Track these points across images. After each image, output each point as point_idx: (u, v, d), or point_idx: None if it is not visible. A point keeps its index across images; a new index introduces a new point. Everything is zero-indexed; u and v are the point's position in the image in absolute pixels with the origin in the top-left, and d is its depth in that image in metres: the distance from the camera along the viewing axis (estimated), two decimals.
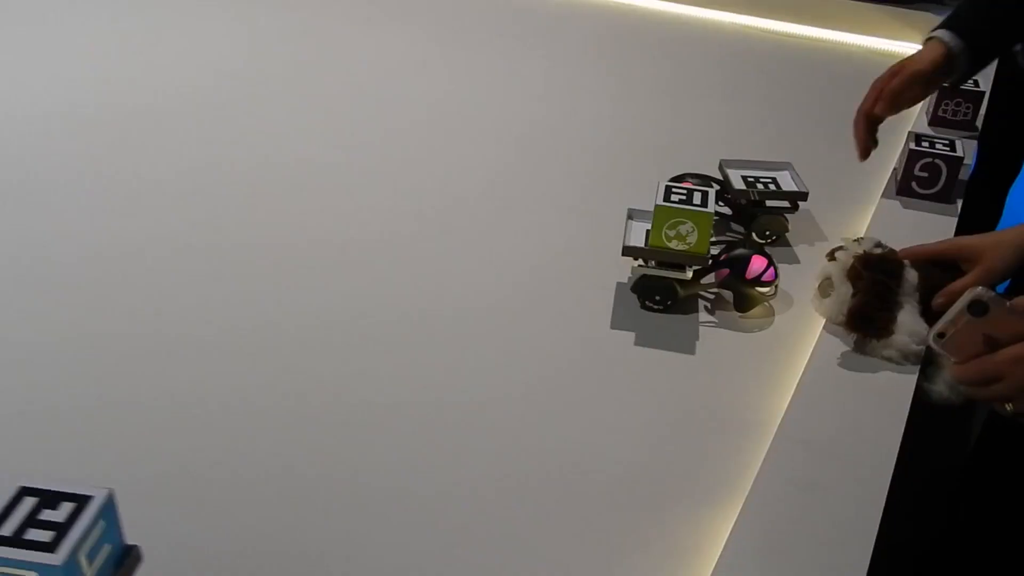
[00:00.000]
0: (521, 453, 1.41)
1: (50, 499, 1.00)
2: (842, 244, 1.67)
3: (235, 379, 1.53)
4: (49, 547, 0.95)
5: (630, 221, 1.80)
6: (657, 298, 1.74)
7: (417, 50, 2.96)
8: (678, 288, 1.73)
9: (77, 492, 1.01)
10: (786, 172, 1.99)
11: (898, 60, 1.96)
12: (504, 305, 1.76)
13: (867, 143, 1.98)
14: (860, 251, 1.60)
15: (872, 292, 1.55)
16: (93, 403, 1.45)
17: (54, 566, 0.93)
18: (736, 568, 1.17)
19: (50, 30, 2.82)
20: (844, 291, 1.58)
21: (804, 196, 1.93)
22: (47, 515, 0.98)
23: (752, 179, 1.96)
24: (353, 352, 1.61)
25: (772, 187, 1.94)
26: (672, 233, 1.68)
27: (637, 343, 1.67)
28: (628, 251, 1.73)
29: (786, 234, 1.97)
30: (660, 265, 1.73)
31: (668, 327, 1.71)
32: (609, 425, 1.48)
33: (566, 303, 1.78)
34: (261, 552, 1.21)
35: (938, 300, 1.53)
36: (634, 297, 1.76)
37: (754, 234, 1.94)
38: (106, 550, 1.04)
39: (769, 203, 1.95)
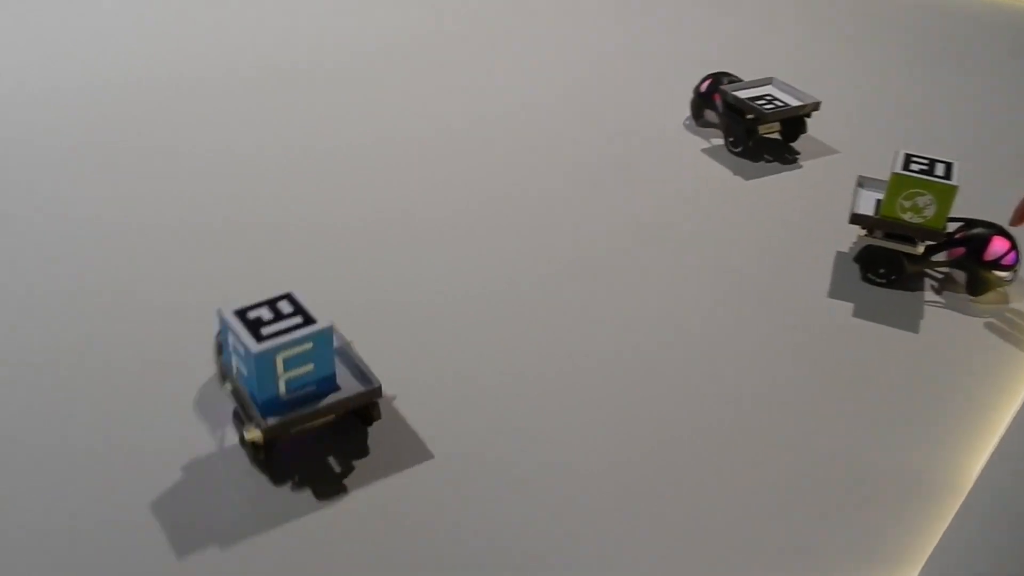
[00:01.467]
0: (730, 419, 1.38)
1: (286, 312, 1.21)
2: None
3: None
4: (259, 339, 1.16)
5: (859, 189, 1.71)
6: (881, 271, 1.65)
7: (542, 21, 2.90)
8: (906, 262, 1.64)
9: (305, 312, 1.20)
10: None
11: None
12: (722, 267, 1.72)
13: None
14: None
15: None
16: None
17: (250, 352, 1.14)
18: (949, 567, 1.10)
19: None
20: None
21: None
22: (275, 321, 1.19)
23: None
24: (556, 305, 1.62)
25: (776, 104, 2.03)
26: (907, 204, 1.58)
27: (856, 315, 1.59)
28: (856, 219, 1.64)
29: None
30: (889, 236, 1.63)
31: (890, 302, 1.62)
32: (824, 398, 1.42)
33: (782, 268, 1.71)
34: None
35: None
36: (855, 267, 1.68)
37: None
38: (307, 368, 1.19)
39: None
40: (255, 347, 1.14)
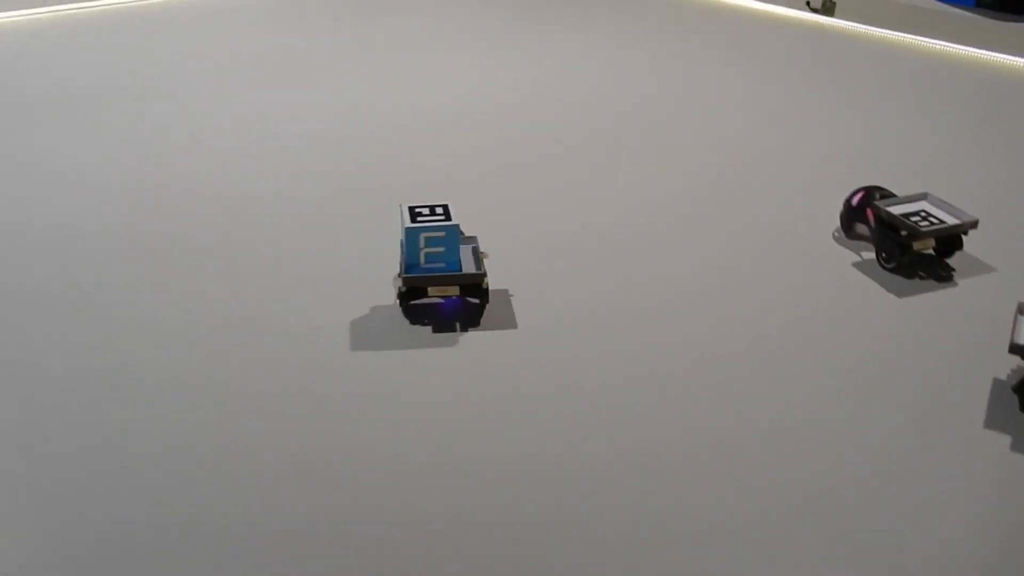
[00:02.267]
0: (871, 540, 1.38)
1: (438, 213, 1.90)
2: None
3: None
4: (413, 221, 1.90)
5: (1020, 316, 1.67)
6: None
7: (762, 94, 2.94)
8: None
9: (448, 215, 1.87)
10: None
11: None
12: (871, 388, 1.71)
13: None
14: None
15: None
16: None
17: (404, 228, 1.89)
18: None
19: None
20: None
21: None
22: (429, 216, 1.92)
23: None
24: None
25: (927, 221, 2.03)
26: None
27: (1014, 448, 1.55)
28: (1016, 349, 1.61)
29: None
30: None
31: None
32: (982, 534, 1.39)
33: (935, 393, 1.68)
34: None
35: None
36: (1014, 398, 1.64)
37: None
38: (440, 250, 1.86)
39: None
40: (408, 224, 1.87)
